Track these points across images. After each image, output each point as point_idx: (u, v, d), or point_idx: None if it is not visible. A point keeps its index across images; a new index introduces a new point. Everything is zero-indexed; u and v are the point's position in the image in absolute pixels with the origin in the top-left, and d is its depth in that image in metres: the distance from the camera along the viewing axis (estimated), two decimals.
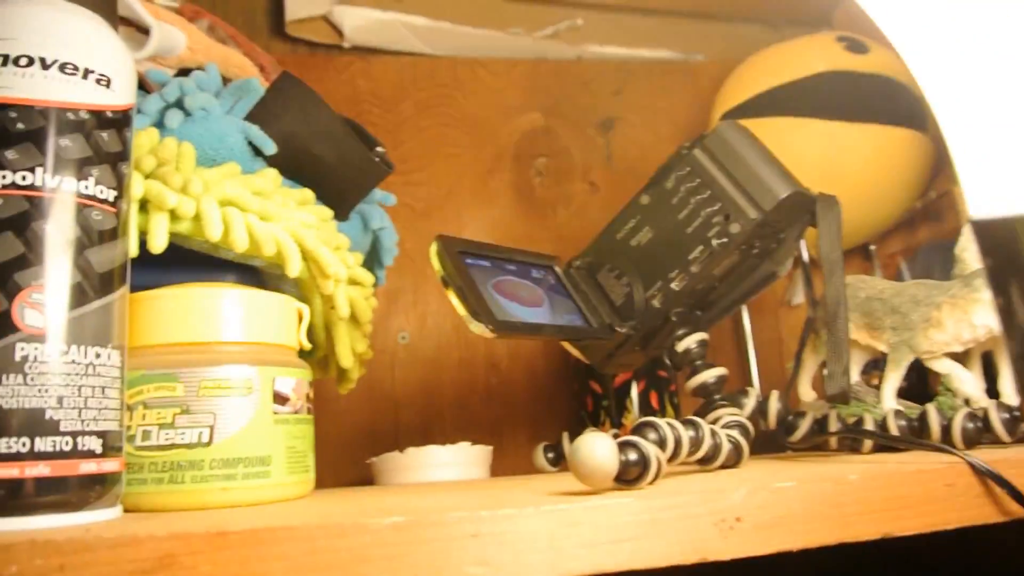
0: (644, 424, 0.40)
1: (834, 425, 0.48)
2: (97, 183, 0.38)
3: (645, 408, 0.71)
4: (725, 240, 0.49)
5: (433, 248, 0.45)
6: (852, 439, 0.50)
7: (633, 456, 0.36)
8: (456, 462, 0.59)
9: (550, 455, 0.60)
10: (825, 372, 0.44)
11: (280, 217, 0.49)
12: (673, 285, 0.50)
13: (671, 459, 0.41)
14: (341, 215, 0.60)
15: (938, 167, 0.77)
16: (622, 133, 0.90)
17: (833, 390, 0.42)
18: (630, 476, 0.36)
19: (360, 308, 0.54)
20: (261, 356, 0.43)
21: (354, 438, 0.78)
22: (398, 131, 0.86)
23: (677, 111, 0.91)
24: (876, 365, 0.66)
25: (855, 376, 0.56)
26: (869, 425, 0.48)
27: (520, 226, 0.86)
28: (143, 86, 0.55)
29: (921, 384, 0.61)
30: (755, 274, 0.53)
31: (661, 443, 0.40)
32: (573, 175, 0.88)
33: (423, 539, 0.31)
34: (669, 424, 0.41)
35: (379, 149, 0.60)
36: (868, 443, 0.49)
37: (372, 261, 0.66)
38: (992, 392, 0.52)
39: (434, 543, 0.31)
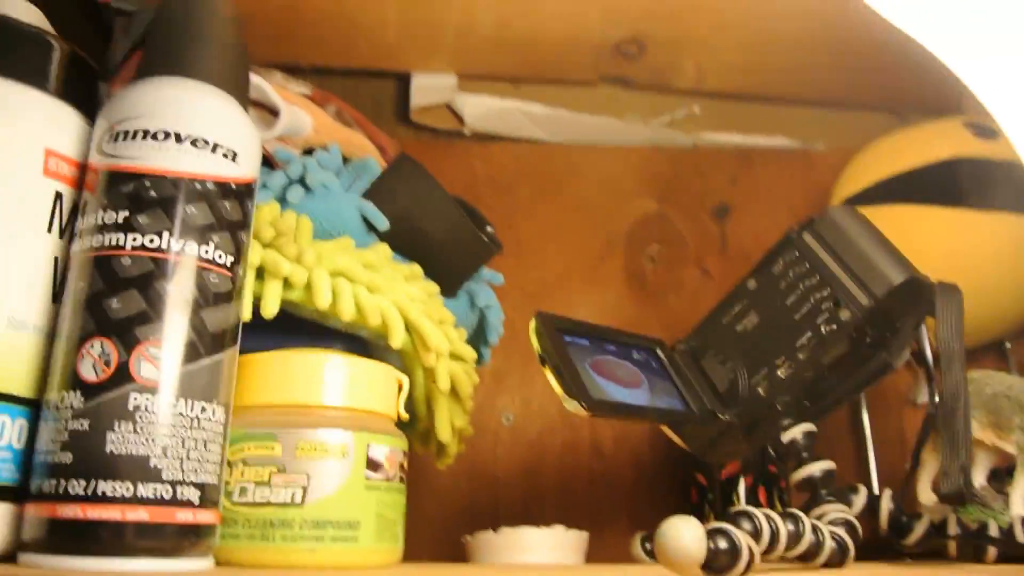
0: (738, 513, 0.38)
1: (953, 529, 0.45)
2: (217, 248, 0.40)
3: (752, 504, 0.67)
4: (835, 327, 0.47)
5: (532, 324, 0.46)
6: (975, 548, 0.46)
7: (723, 544, 0.34)
8: (550, 545, 0.58)
9: (648, 546, 0.58)
10: (940, 470, 0.41)
11: (387, 289, 0.51)
12: (779, 372, 0.48)
13: (767, 552, 0.39)
14: (449, 291, 0.62)
15: None
16: (737, 220, 0.89)
17: (947, 488, 0.39)
18: (718, 565, 0.34)
19: (461, 383, 0.55)
20: (357, 422, 0.44)
21: (453, 515, 0.77)
22: (513, 215, 0.88)
23: (794, 199, 0.89)
24: (1009, 472, 0.61)
25: (981, 480, 0.52)
26: (993, 532, 0.44)
27: (631, 311, 0.85)
28: (271, 163, 0.59)
29: None
30: (867, 365, 0.50)
31: (756, 534, 0.38)
32: (686, 262, 0.87)
33: None
34: (766, 515, 0.39)
35: (488, 229, 0.62)
36: (991, 554, 0.45)
37: (478, 339, 0.67)
38: None
39: None
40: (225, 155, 0.42)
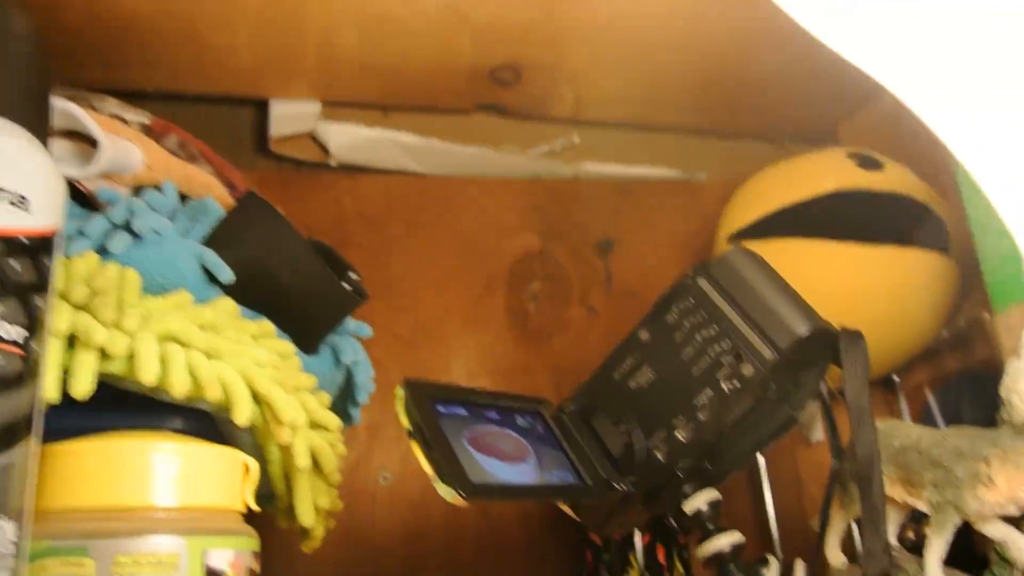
0: None
1: None
2: (1, 319, 0.32)
3: (651, 564, 0.63)
4: (737, 384, 0.43)
5: (398, 394, 0.39)
6: None
7: None
8: None
9: None
10: (862, 549, 0.37)
11: (230, 354, 0.44)
12: (678, 435, 0.44)
13: None
14: (309, 348, 0.54)
15: (965, 292, 0.71)
16: (621, 255, 0.85)
17: (873, 571, 0.35)
18: None
19: (324, 457, 0.47)
20: (191, 523, 0.36)
21: None
22: (385, 253, 0.81)
23: (679, 231, 0.86)
24: (913, 517, 0.59)
25: (890, 538, 0.49)
26: None
27: (513, 355, 0.79)
28: (94, 206, 0.50)
29: (966, 546, 0.53)
30: (771, 420, 0.46)
31: None
32: (570, 299, 0.82)
33: None
34: None
35: (352, 276, 0.55)
36: None
37: (345, 400, 0.60)
38: None
39: None
40: (12, 202, 0.34)
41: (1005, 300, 0.53)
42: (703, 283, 0.45)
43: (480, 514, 0.74)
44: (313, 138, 0.82)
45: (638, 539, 0.64)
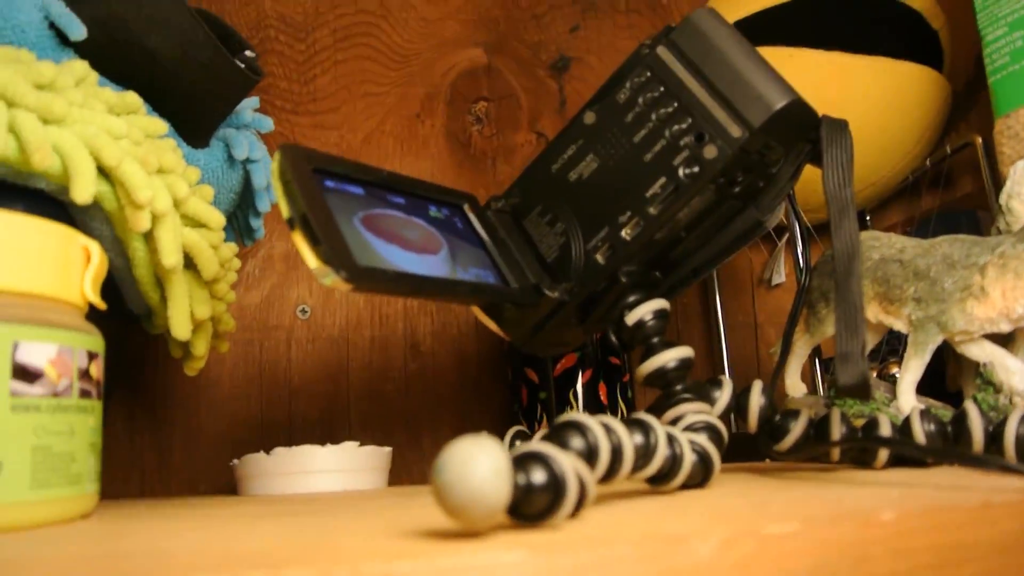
0: (565, 426, 0.26)
1: (838, 430, 0.35)
2: None
3: (591, 404, 0.57)
4: (696, 170, 0.35)
5: (274, 163, 0.31)
6: (860, 452, 0.36)
7: (539, 477, 0.22)
8: (339, 468, 0.45)
9: None
10: (836, 354, 0.30)
11: (75, 120, 0.35)
12: (624, 233, 0.36)
13: (606, 478, 0.27)
14: (197, 140, 0.46)
15: (952, 117, 0.64)
16: (578, 76, 0.76)
17: (850, 378, 0.29)
18: (534, 509, 0.22)
19: (202, 256, 0.40)
20: None
21: (239, 434, 0.63)
22: (309, 64, 0.71)
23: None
24: (874, 355, 0.53)
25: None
26: (885, 429, 0.34)
27: (453, 182, 0.71)
28: None
29: (935, 378, 0.47)
30: (734, 224, 0.39)
31: (590, 454, 0.26)
32: (519, 123, 0.74)
33: None
34: (605, 426, 0.27)
35: (248, 54, 0.46)
36: (882, 457, 0.35)
37: (247, 207, 0.52)
38: None
39: None
40: None
41: (1012, 102, 0.46)
42: (663, 52, 0.37)
43: (410, 351, 0.67)
44: None
45: (580, 377, 0.58)
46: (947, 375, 0.47)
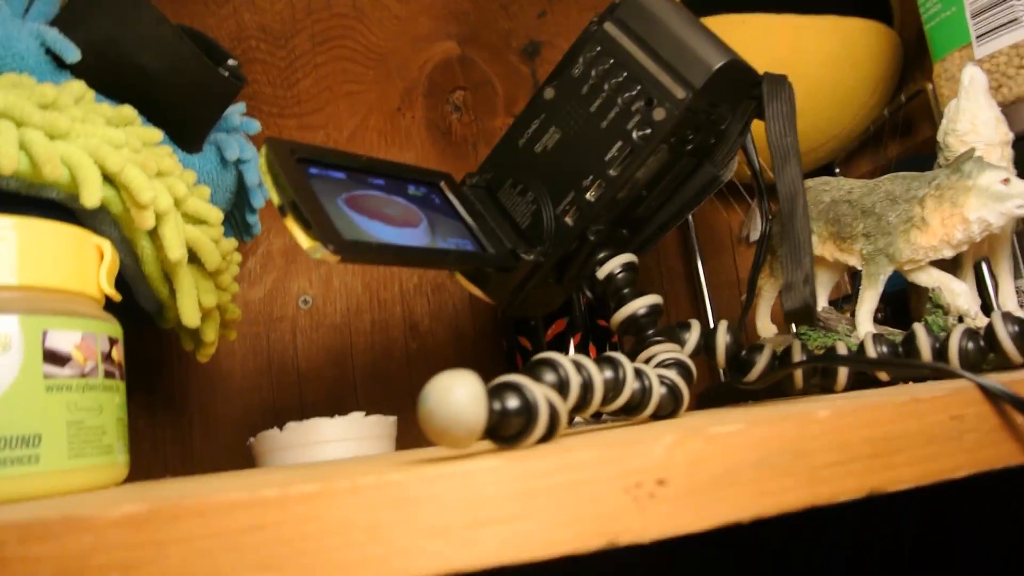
0: (538, 362, 0.29)
1: (798, 357, 0.38)
2: None
3: None
4: (648, 131, 0.38)
5: (262, 156, 0.34)
6: (823, 377, 0.39)
7: (513, 403, 0.25)
8: (347, 436, 0.49)
9: None
10: (783, 284, 0.34)
11: (78, 134, 0.38)
12: (588, 196, 0.40)
13: (578, 409, 0.30)
14: (191, 145, 0.49)
15: (907, 67, 0.67)
16: (549, 59, 0.79)
17: (793, 304, 0.32)
18: (508, 432, 0.26)
19: (205, 250, 0.43)
20: (28, 303, 0.32)
21: (254, 420, 0.66)
22: (291, 69, 0.74)
23: None
24: (847, 300, 0.56)
25: (822, 302, 0.46)
26: (843, 353, 0.38)
27: (437, 167, 0.74)
28: None
29: (904, 314, 0.51)
30: (693, 180, 0.42)
31: (561, 386, 0.29)
32: (496, 108, 0.77)
33: (172, 538, 0.20)
34: (575, 362, 0.30)
35: (231, 62, 0.49)
36: (842, 380, 0.39)
37: (243, 205, 0.55)
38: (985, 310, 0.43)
39: (191, 543, 0.20)
40: None
41: (946, 46, 0.49)
42: (610, 28, 0.40)
43: (409, 332, 0.70)
44: None
45: (571, 342, 0.61)
46: (911, 307, 0.51)
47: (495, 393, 0.26)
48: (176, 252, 0.40)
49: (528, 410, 0.26)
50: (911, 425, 0.27)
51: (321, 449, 0.48)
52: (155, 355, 0.66)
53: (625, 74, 0.39)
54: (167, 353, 0.66)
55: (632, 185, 0.40)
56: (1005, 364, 0.36)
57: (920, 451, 0.27)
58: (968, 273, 0.42)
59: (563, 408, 0.27)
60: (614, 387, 0.32)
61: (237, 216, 0.55)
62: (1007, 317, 0.36)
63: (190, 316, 0.43)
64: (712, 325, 0.71)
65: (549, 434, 0.27)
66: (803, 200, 0.35)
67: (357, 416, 0.49)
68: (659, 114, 0.38)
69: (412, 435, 0.65)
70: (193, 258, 0.44)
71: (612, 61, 0.40)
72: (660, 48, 0.39)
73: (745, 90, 0.40)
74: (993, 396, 0.28)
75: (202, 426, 0.66)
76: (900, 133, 0.70)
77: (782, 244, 0.35)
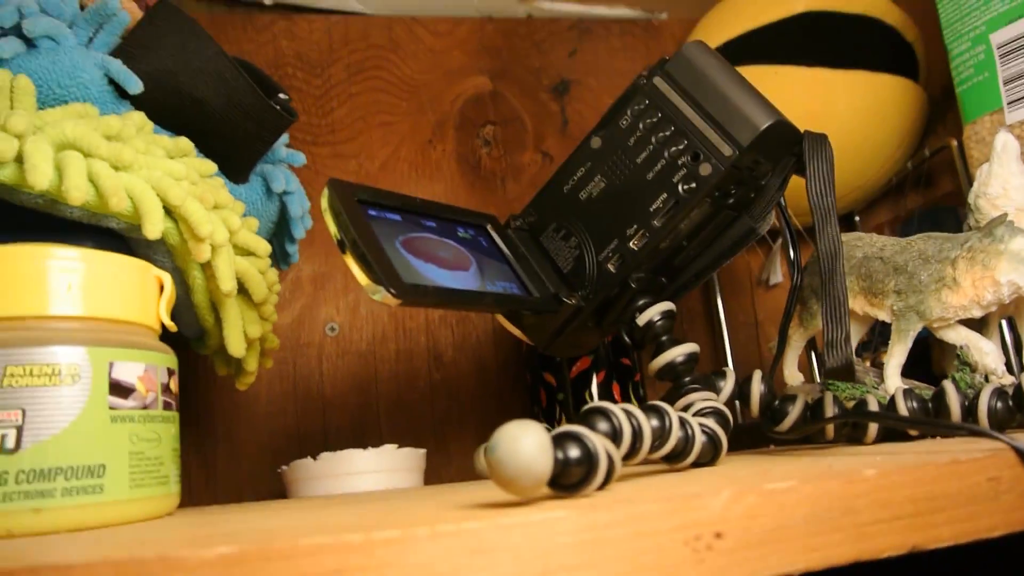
0: (592, 411, 0.31)
1: (831, 410, 0.39)
2: None
3: (606, 401, 0.61)
4: (694, 185, 0.40)
5: (324, 196, 0.36)
6: (853, 428, 0.40)
7: (574, 453, 0.26)
8: (380, 468, 0.50)
9: None
10: (824, 342, 0.35)
11: (140, 166, 0.39)
12: (632, 244, 0.41)
13: (629, 457, 0.31)
14: (238, 176, 0.50)
15: (931, 122, 0.68)
16: (579, 98, 0.81)
17: (835, 362, 0.33)
18: (570, 480, 0.27)
19: (253, 281, 0.44)
20: (94, 335, 0.33)
21: (278, 445, 0.67)
22: (326, 98, 0.76)
23: (638, 72, 0.82)
24: (867, 346, 0.58)
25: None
26: (874, 407, 0.39)
27: (466, 202, 0.76)
28: None
29: (923, 364, 0.52)
30: (730, 231, 0.44)
31: (615, 436, 0.30)
32: (525, 144, 0.78)
33: None
34: (626, 411, 0.31)
35: (281, 96, 0.51)
36: (872, 433, 0.40)
37: (283, 235, 0.56)
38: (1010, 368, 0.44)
39: None
40: None
41: (977, 110, 0.50)
42: (659, 82, 0.42)
43: (433, 362, 0.71)
44: None
45: (594, 378, 0.62)
46: (932, 360, 0.52)
47: (557, 443, 0.27)
48: (228, 284, 0.41)
49: (589, 459, 0.27)
50: (951, 485, 0.28)
51: (354, 480, 0.49)
52: (183, 378, 0.67)
53: (672, 128, 0.40)
54: (194, 375, 0.67)
55: (675, 236, 0.41)
56: None
57: (959, 511, 0.28)
58: (994, 332, 0.44)
59: (618, 457, 0.28)
60: (660, 435, 0.33)
61: (275, 245, 0.56)
62: None
63: (236, 347, 0.44)
64: (731, 365, 0.73)
65: (605, 482, 0.28)
66: (841, 261, 0.36)
67: (389, 448, 0.50)
68: (705, 169, 0.39)
69: (433, 468, 0.66)
70: (240, 288, 0.45)
71: (660, 115, 0.41)
72: (708, 104, 0.40)
73: (786, 147, 0.41)
74: None
75: (226, 450, 0.66)
76: (921, 185, 0.71)
77: (821, 302, 0.36)
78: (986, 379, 0.42)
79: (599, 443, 0.27)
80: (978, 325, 0.44)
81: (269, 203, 0.52)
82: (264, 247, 0.45)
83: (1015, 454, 0.29)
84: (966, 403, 0.38)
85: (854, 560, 0.26)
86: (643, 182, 0.41)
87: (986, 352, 0.41)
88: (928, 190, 0.72)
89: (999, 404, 0.37)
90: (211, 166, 0.44)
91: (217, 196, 0.42)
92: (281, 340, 0.69)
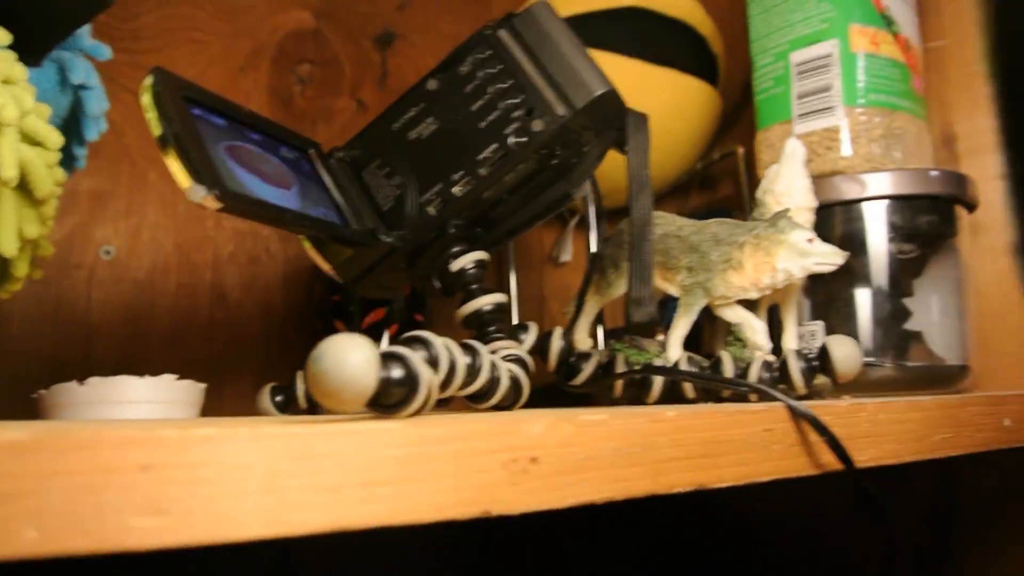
0: (415, 339, 0.31)
1: (622, 367, 0.41)
2: None
3: None
4: (524, 139, 0.40)
5: (147, 82, 0.33)
6: (638, 388, 0.43)
7: (398, 373, 0.26)
8: (156, 399, 0.46)
9: (279, 398, 0.49)
10: (629, 299, 0.37)
11: None
12: (455, 190, 0.41)
13: (442, 389, 0.32)
14: (30, 58, 0.45)
15: (723, 128, 0.74)
16: (401, 52, 0.80)
17: (640, 317, 0.35)
18: (390, 400, 0.26)
19: (37, 175, 0.40)
20: None
21: (30, 370, 0.61)
22: (134, 3, 0.69)
23: (464, 37, 0.82)
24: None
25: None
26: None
27: None
28: None
29: (693, 344, 0.56)
30: (548, 193, 0.45)
31: (433, 364, 0.30)
32: (340, 89, 0.76)
33: (58, 470, 0.19)
34: (445, 344, 0.31)
35: None
36: (655, 393, 0.43)
37: (71, 132, 0.51)
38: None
39: (76, 477, 0.19)
40: None
41: (771, 118, 0.55)
42: (504, 35, 0.42)
43: (216, 300, 0.68)
44: None
45: (386, 333, 0.62)
46: (703, 341, 0.56)
47: (386, 361, 0.26)
48: (10, 171, 0.37)
49: (411, 382, 0.27)
50: (736, 433, 0.31)
51: (124, 409, 0.46)
52: None
53: (512, 82, 0.41)
54: None
55: (498, 188, 0.42)
56: (790, 393, 0.41)
57: (740, 455, 0.31)
58: (763, 314, 0.48)
59: (436, 385, 0.29)
60: (471, 372, 0.34)
61: (63, 146, 0.51)
62: (798, 354, 0.42)
63: (8, 244, 0.39)
64: None
65: (421, 409, 0.28)
66: (651, 228, 0.39)
67: (168, 378, 0.47)
68: (537, 125, 0.40)
69: (207, 410, 0.63)
70: (20, 182, 0.40)
71: (501, 67, 0.42)
72: (548, 64, 0.41)
73: (612, 120, 0.43)
74: (797, 416, 0.32)
75: None
76: (704, 186, 0.78)
77: (630, 263, 0.38)
78: (753, 355, 0.46)
79: (422, 368, 0.27)
80: (751, 308, 0.48)
81: (62, 96, 0.47)
82: (56, 138, 0.40)
83: (787, 410, 0.32)
84: (739, 372, 0.42)
85: (650, 493, 0.28)
86: (475, 130, 0.41)
87: (757, 330, 0.45)
88: (710, 192, 0.79)
89: (766, 374, 0.41)
90: (5, 34, 0.39)
91: (11, 70, 0.37)
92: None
